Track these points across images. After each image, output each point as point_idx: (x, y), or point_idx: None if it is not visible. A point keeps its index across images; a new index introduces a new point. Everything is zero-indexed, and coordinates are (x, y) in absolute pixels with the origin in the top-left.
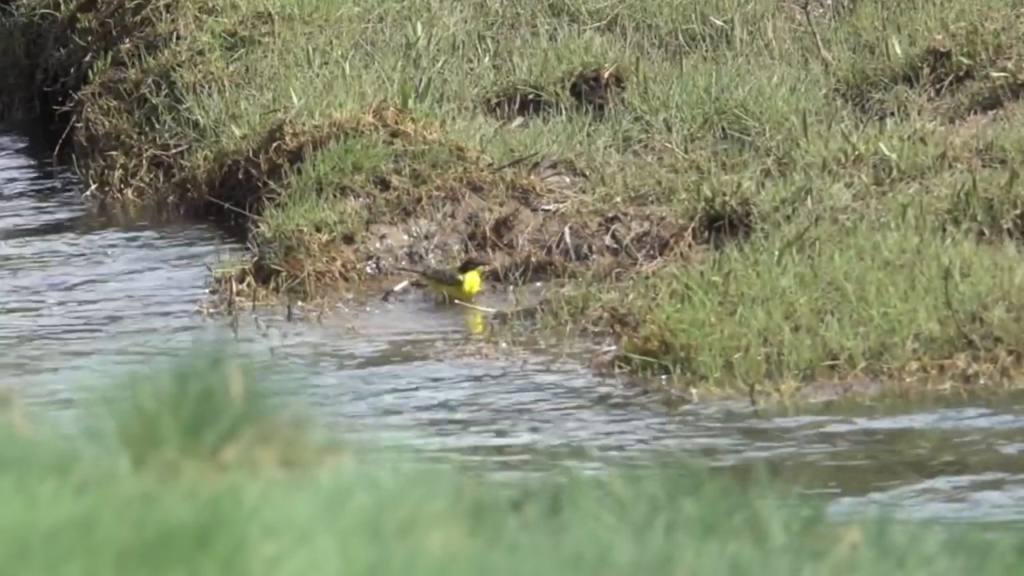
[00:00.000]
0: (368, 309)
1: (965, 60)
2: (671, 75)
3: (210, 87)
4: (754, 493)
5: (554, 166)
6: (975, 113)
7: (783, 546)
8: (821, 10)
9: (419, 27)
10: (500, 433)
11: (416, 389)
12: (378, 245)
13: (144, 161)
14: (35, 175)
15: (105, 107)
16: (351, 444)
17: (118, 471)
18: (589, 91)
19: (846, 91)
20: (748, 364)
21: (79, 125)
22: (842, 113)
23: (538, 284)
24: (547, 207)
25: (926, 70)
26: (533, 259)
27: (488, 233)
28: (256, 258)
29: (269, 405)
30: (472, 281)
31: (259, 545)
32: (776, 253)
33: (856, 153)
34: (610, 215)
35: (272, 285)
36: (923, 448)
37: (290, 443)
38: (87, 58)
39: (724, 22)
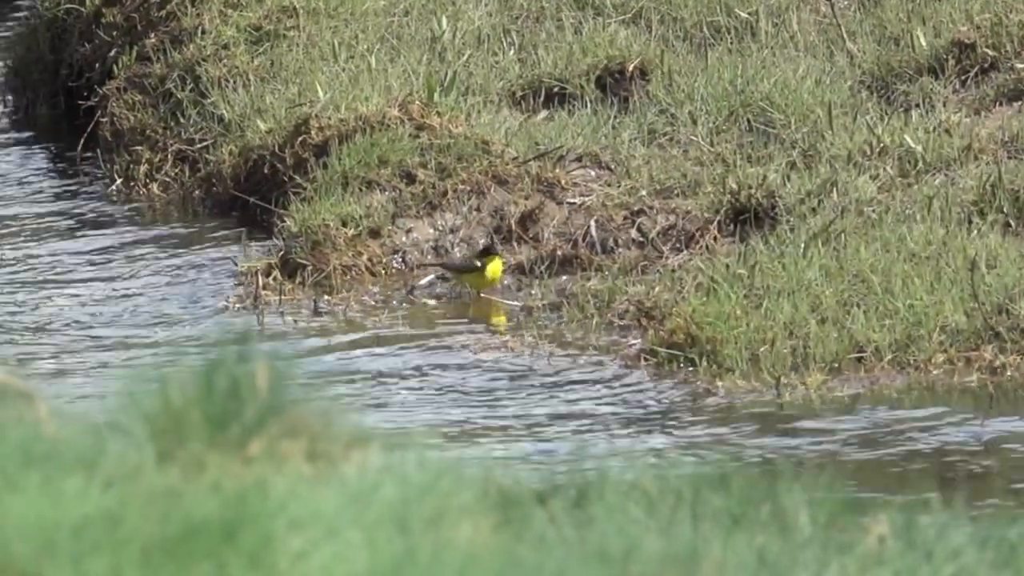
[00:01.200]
0: (394, 303)
1: (990, 52)
2: (696, 68)
3: (235, 81)
4: (780, 486)
5: (579, 159)
6: (1000, 105)
7: (810, 538)
8: (846, 2)
9: (444, 20)
10: (526, 426)
11: (441, 383)
12: (404, 239)
13: (169, 156)
14: (60, 170)
15: (130, 102)
16: (377, 437)
17: (144, 466)
18: (614, 84)
19: (871, 83)
20: (774, 357)
21: (104, 120)
22: (867, 105)
23: (564, 277)
24: (572, 200)
25: (951, 62)
26: (559, 252)
27: (514, 226)
28: (282, 252)
29: (295, 399)
30: (494, 268)
31: (286, 539)
32: (802, 246)
33: (881, 145)
34: (636, 208)
35: (298, 279)
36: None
37: (316, 437)
38: (112, 53)
39: (749, 14)
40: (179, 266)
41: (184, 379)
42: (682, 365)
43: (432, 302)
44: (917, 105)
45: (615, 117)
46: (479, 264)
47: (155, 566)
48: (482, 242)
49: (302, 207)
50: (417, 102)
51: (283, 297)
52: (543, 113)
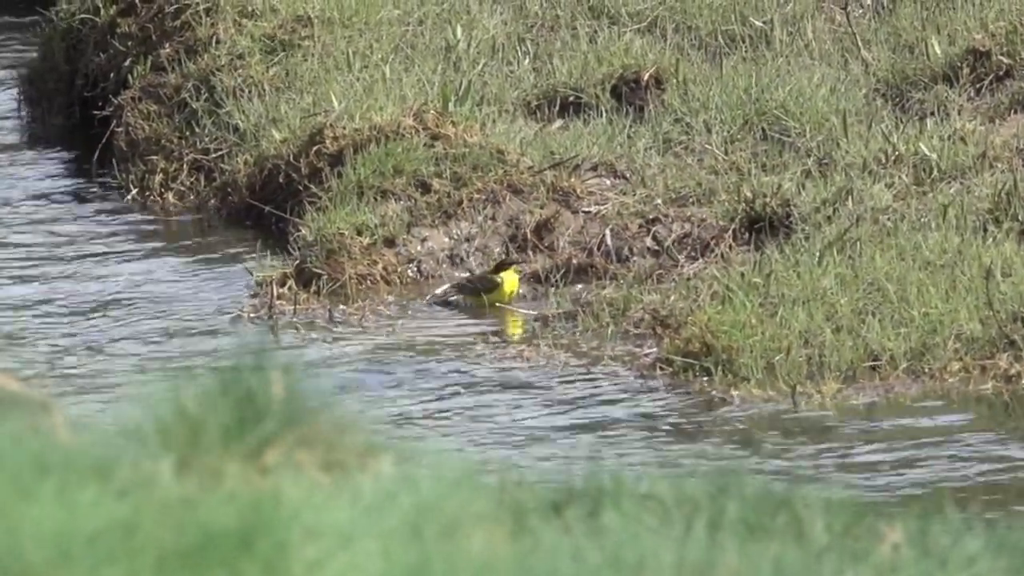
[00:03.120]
0: (409, 312)
1: (1005, 59)
2: (711, 76)
3: (250, 91)
4: (796, 494)
5: (595, 168)
6: (1015, 112)
7: (825, 547)
8: (861, 10)
9: (459, 30)
10: (541, 435)
11: (456, 392)
12: (419, 248)
13: (184, 165)
14: (75, 180)
15: (145, 112)
16: (392, 447)
17: (159, 475)
18: (629, 93)
19: (886, 91)
20: (790, 365)
21: (119, 130)
22: (882, 113)
23: (579, 286)
24: (588, 209)
25: (966, 70)
26: (574, 261)
27: (529, 235)
28: (297, 261)
29: (310, 408)
30: (511, 281)
31: (301, 548)
32: (817, 254)
33: (896, 153)
34: (651, 217)
35: (313, 288)
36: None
37: (331, 446)
38: (127, 63)
39: (764, 23)
40: (194, 275)
41: (200, 388)
42: (697, 374)
43: (447, 311)
44: (932, 113)
45: (630, 126)
46: (498, 280)
47: (170, 575)
48: (499, 256)
49: (317, 216)
50: (432, 111)
51: (298, 306)
52: (558, 122)
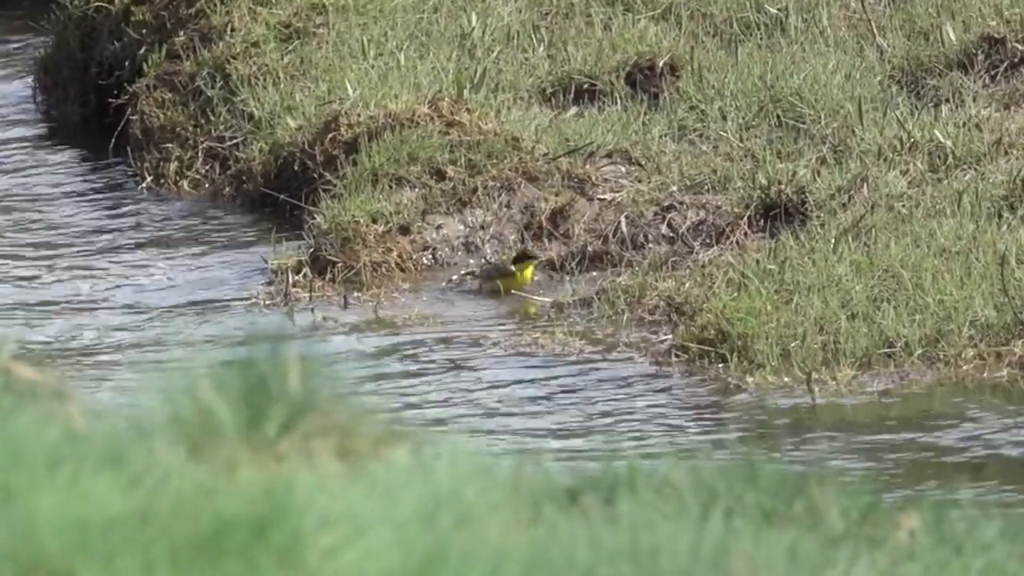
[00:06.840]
0: (424, 299)
1: (1020, 46)
2: (726, 63)
3: (265, 79)
4: (812, 481)
5: (610, 155)
6: None
7: (841, 534)
8: None
9: (474, 17)
10: (557, 423)
11: (471, 379)
12: (434, 235)
13: (199, 153)
14: (90, 168)
15: (160, 100)
16: (407, 435)
17: (174, 464)
18: (644, 80)
19: (901, 78)
20: (805, 352)
21: (134, 118)
22: (897, 100)
23: (594, 273)
24: (603, 196)
25: (981, 56)
26: (589, 248)
27: (544, 223)
28: (312, 249)
29: (325, 396)
30: (526, 273)
31: (315, 537)
32: (832, 241)
33: (911, 140)
34: (666, 204)
35: (328, 276)
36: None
37: (346, 434)
38: (141, 51)
39: (779, 10)
40: (209, 263)
41: (214, 376)
42: (713, 361)
43: (462, 298)
44: (947, 100)
45: (645, 113)
46: (512, 269)
47: (186, 564)
48: (518, 247)
49: (332, 204)
50: (447, 99)
51: (313, 294)
52: (573, 109)
